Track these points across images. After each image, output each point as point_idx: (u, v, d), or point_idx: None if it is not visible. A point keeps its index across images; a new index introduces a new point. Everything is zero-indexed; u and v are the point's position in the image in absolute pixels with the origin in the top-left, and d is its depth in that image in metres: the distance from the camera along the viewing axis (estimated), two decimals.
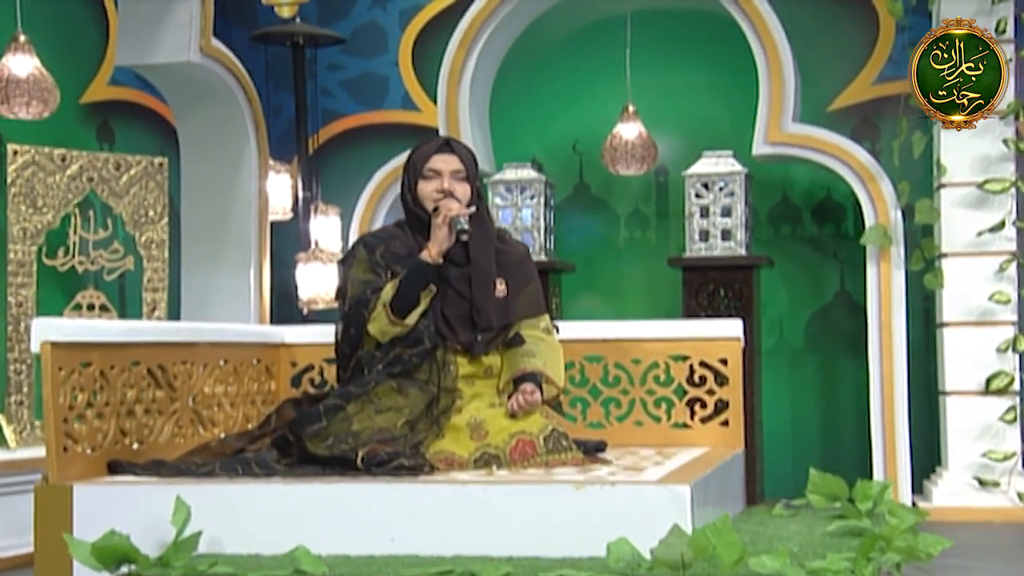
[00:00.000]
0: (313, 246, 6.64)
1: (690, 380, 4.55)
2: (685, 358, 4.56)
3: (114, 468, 3.66)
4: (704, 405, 4.53)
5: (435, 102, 7.08)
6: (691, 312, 6.43)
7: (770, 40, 6.46)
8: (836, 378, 7.04)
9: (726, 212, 6.55)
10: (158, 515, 3.30)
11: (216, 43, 6.27)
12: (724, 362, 4.52)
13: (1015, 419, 6.03)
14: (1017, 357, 6.07)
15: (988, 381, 6.01)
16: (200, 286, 6.56)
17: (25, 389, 5.35)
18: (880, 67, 6.80)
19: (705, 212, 6.59)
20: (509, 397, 3.89)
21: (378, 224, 6.88)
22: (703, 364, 4.53)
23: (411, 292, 3.86)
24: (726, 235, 6.56)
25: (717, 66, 7.18)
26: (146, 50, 6.18)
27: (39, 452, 5.11)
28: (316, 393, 4.30)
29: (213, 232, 6.56)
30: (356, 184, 7.06)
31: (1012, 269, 6.08)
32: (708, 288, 6.52)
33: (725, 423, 4.51)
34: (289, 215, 6.89)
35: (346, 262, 4.04)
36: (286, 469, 3.63)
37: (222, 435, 4.16)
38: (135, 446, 3.78)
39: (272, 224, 6.74)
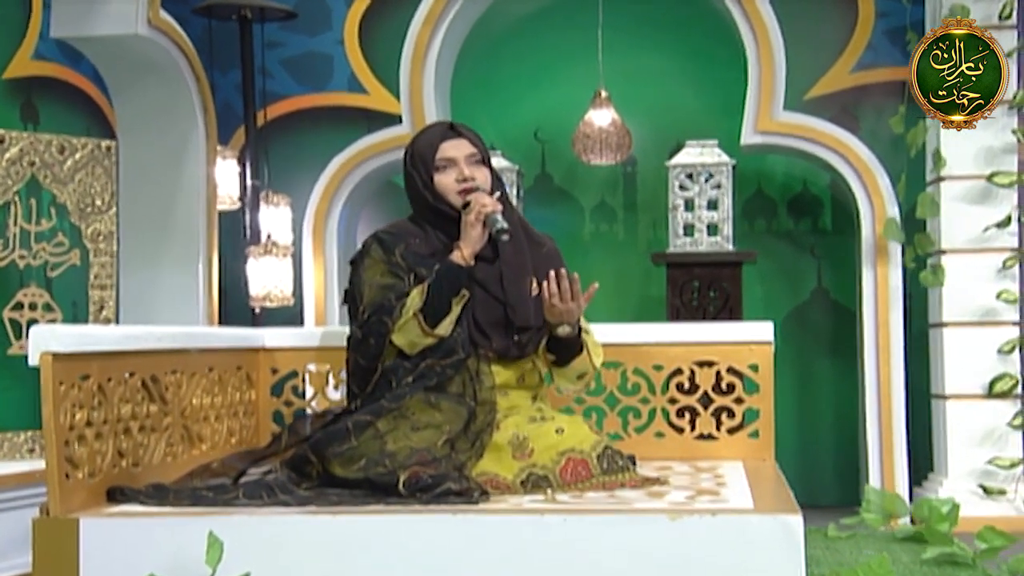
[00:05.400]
0: (266, 239, 6.11)
1: (716, 387, 4.18)
2: (711, 364, 4.19)
3: (113, 495, 3.17)
4: (732, 415, 4.18)
5: (384, 84, 6.63)
6: (675, 312, 6.02)
7: (760, 23, 6.09)
8: (814, 380, 6.73)
9: (712, 205, 6.15)
10: (180, 551, 2.88)
11: (164, 15, 5.70)
12: (754, 368, 4.17)
13: (1023, 424, 5.75)
14: (1020, 359, 5.78)
15: (991, 384, 5.72)
16: (141, 283, 5.94)
17: None
18: (858, 55, 6.45)
19: (690, 205, 6.19)
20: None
21: (335, 216, 6.40)
22: (731, 370, 4.17)
23: (442, 299, 3.42)
24: (712, 229, 6.16)
25: (688, 52, 6.86)
26: (85, 21, 5.57)
27: None
28: (329, 409, 3.82)
29: (156, 223, 5.95)
30: (304, 172, 6.55)
31: (1016, 267, 5.79)
32: (693, 285, 6.11)
33: (755, 434, 4.17)
34: (236, 205, 6.33)
35: (359, 262, 3.56)
36: (316, 495, 3.18)
37: (211, 453, 3.71)
38: (131, 469, 3.31)
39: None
